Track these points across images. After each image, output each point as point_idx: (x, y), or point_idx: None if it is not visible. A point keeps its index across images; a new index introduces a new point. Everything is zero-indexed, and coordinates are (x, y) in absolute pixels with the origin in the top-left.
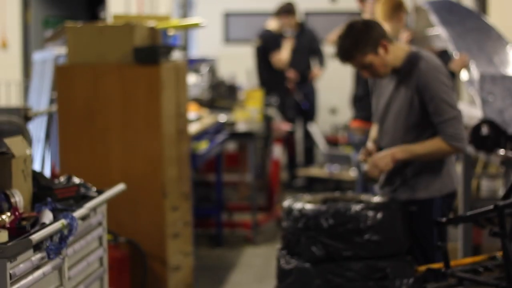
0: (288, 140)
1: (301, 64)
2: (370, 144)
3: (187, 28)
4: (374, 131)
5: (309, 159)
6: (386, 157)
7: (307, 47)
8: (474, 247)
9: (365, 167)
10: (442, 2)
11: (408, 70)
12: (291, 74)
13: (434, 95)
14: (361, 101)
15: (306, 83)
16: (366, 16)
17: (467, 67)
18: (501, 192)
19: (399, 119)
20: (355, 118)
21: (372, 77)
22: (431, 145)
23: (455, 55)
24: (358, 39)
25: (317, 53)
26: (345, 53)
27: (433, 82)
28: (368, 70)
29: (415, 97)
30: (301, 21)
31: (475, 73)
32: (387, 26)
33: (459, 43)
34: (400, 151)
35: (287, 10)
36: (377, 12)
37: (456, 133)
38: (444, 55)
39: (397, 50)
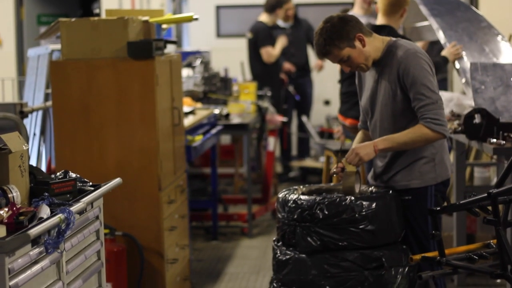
0: (282, 132)
1: (299, 56)
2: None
3: (180, 22)
4: (358, 137)
5: (304, 150)
6: (367, 147)
7: (304, 39)
8: (468, 236)
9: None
10: None
11: (387, 59)
12: (287, 66)
13: (414, 80)
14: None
15: (306, 75)
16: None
17: (460, 54)
18: (493, 180)
19: (386, 110)
20: (348, 116)
21: (353, 70)
22: (413, 132)
23: (448, 43)
24: (333, 34)
25: None
26: (322, 48)
27: (413, 68)
28: (347, 64)
29: (397, 86)
30: (295, 13)
31: (467, 62)
32: (386, 20)
33: (449, 33)
34: (381, 141)
35: (277, 5)
36: (379, 2)
37: (436, 118)
38: (434, 46)
39: (376, 41)
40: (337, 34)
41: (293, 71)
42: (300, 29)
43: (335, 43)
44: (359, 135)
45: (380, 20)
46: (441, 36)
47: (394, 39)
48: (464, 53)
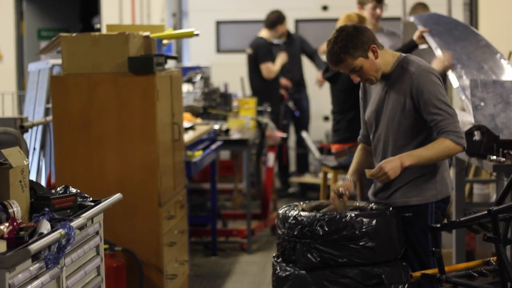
0: (281, 148)
1: (294, 72)
2: (342, 184)
3: (181, 37)
4: (358, 153)
5: (303, 166)
6: (393, 163)
7: (298, 54)
8: (467, 253)
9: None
10: (429, 15)
11: (398, 74)
12: (284, 82)
13: (430, 96)
14: (337, 124)
15: (301, 90)
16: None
17: (451, 65)
18: (493, 197)
19: (392, 124)
20: (334, 142)
21: (362, 81)
22: (437, 146)
23: (438, 54)
24: (348, 43)
25: (313, 55)
26: (336, 56)
27: (427, 85)
28: (358, 74)
29: (408, 101)
30: (287, 29)
31: (466, 79)
32: None
33: (447, 51)
34: (407, 157)
35: (277, 21)
36: None
37: (457, 131)
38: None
39: (387, 55)
40: (352, 43)
41: (289, 87)
42: (294, 44)
43: (349, 51)
44: (359, 151)
45: None
46: (439, 55)
47: (404, 54)
48: (463, 71)
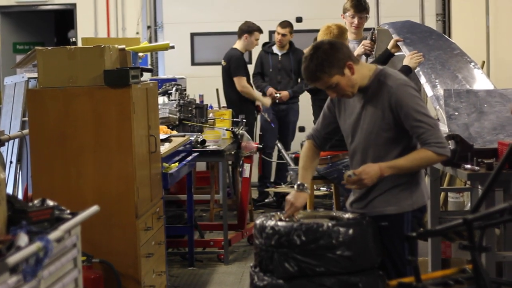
0: (258, 159)
1: (285, 84)
2: (294, 201)
3: (156, 50)
4: (305, 151)
5: (282, 176)
6: (373, 173)
7: (293, 68)
8: (443, 261)
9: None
10: (403, 22)
11: (376, 88)
12: (271, 90)
13: (409, 110)
14: None
15: (290, 102)
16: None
17: (421, 60)
18: (467, 205)
19: (371, 136)
20: None
21: (339, 97)
22: (417, 157)
23: (420, 71)
24: (324, 61)
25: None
26: (312, 75)
27: (406, 98)
28: (335, 90)
29: (388, 114)
30: (290, 40)
31: (440, 89)
32: None
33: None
34: (387, 168)
35: (245, 30)
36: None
37: (440, 141)
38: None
39: (363, 69)
40: (328, 61)
41: (276, 97)
42: (291, 58)
43: (325, 70)
44: (307, 148)
45: None
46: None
47: (380, 67)
48: (437, 81)
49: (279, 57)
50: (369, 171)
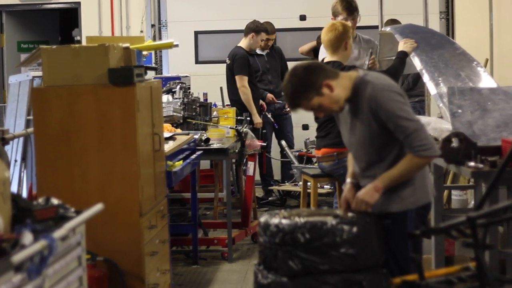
0: (261, 157)
1: (276, 83)
2: (347, 194)
3: (161, 48)
4: (350, 163)
5: (286, 175)
6: (369, 191)
7: (279, 65)
8: (446, 258)
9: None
10: (404, 25)
11: (356, 98)
12: (270, 96)
13: (390, 115)
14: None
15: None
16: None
17: (415, 44)
18: (471, 203)
19: (364, 145)
20: (320, 147)
21: (327, 114)
22: (405, 164)
23: (423, 70)
24: (299, 87)
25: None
26: (291, 102)
27: (385, 103)
28: (320, 111)
29: (372, 121)
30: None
31: (443, 87)
32: (335, 57)
33: (425, 59)
34: (379, 182)
35: (252, 29)
36: (323, 42)
37: (422, 144)
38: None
39: (344, 81)
40: (303, 86)
41: (274, 102)
42: (276, 56)
43: (302, 95)
44: (350, 161)
45: (328, 58)
46: (417, 63)
47: (361, 74)
48: (440, 79)
49: (265, 58)
50: (363, 192)
